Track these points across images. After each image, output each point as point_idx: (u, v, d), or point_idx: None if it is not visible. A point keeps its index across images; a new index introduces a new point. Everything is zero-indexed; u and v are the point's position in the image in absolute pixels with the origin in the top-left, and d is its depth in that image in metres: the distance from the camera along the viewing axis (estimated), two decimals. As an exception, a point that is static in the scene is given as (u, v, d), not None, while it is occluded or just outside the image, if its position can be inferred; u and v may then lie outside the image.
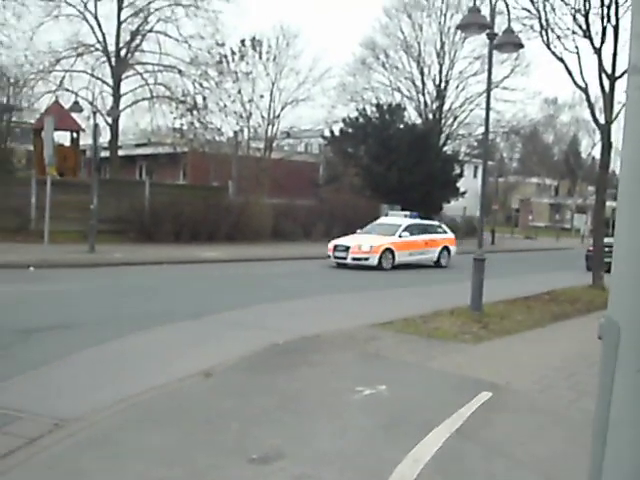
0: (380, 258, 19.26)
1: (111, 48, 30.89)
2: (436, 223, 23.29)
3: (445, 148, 38.66)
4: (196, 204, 24.15)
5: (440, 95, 38.46)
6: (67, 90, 30.28)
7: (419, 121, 38.52)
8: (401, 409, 5.75)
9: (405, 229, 20.67)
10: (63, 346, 7.74)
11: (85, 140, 30.14)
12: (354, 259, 19.23)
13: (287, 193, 28.36)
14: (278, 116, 34.32)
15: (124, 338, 8.31)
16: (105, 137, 29.39)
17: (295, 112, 35.43)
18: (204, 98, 31.07)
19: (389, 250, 19.66)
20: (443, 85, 38.41)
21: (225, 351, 7.66)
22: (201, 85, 30.98)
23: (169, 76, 31.66)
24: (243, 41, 31.74)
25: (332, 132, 36.28)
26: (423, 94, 38.78)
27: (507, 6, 11.43)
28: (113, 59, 30.86)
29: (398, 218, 21.91)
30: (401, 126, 35.27)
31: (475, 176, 49.81)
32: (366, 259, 19.20)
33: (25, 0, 30.09)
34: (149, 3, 30.91)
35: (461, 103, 38.74)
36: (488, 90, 11.61)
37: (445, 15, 37.16)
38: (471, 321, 10.05)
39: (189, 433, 4.96)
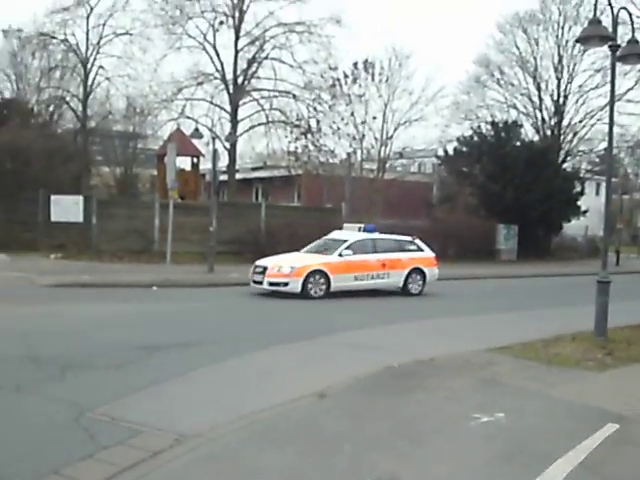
0: (304, 283, 15.21)
1: (229, 76, 32.14)
2: (406, 239, 17.80)
3: (564, 165, 37.21)
4: (310, 225, 24.46)
5: (559, 110, 37.14)
6: (188, 117, 31.73)
7: (536, 138, 37.34)
8: (520, 438, 5.52)
9: (349, 246, 16.23)
10: (183, 363, 8.02)
11: (204, 165, 31.49)
12: (271, 284, 15.41)
13: (400, 213, 28.23)
14: (391, 137, 34.32)
15: (241, 357, 8.50)
16: (223, 161, 30.50)
17: (408, 132, 35.23)
18: (318, 121, 31.63)
19: (320, 273, 15.49)
20: (562, 100, 37.08)
21: (339, 372, 7.66)
22: (315, 109, 31.58)
23: (284, 101, 32.52)
24: (356, 64, 32.08)
25: (446, 151, 35.87)
26: (540, 110, 37.60)
27: (630, 15, 10.90)
28: (231, 87, 32.07)
29: (349, 232, 17.47)
30: (517, 144, 34.34)
31: (597, 193, 47.62)
32: (285, 284, 15.26)
33: (150, 34, 32.04)
34: (264, 32, 31.97)
35: (581, 118, 37.21)
36: (611, 103, 11.10)
37: (562, 28, 35.95)
38: (595, 347, 9.52)
39: (305, 454, 4.98)
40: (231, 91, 32.02)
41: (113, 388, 6.76)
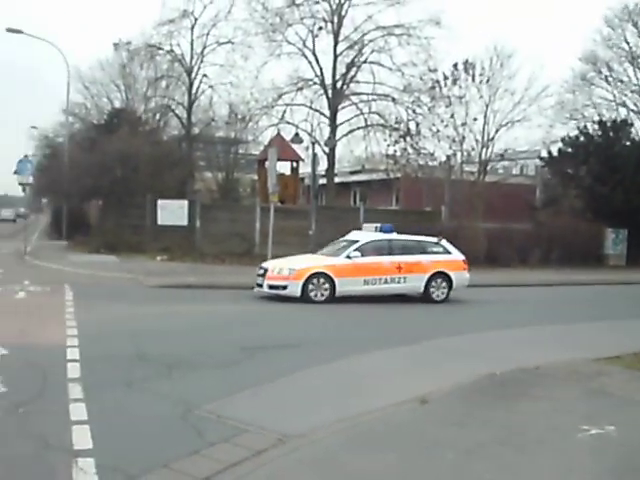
0: (305, 287, 14.38)
1: (328, 81, 32.39)
2: (431, 240, 16.42)
3: (680, 166, 35.12)
4: (409, 229, 24.27)
5: (673, 108, 35.14)
6: (288, 123, 32.22)
7: (648, 137, 35.45)
8: (632, 453, 5.25)
9: (359, 248, 15.19)
10: (286, 364, 8.15)
11: (304, 169, 31.88)
12: (270, 287, 14.73)
13: (502, 217, 27.50)
14: (492, 138, 33.56)
15: (343, 360, 8.54)
16: (322, 165, 30.77)
17: (510, 134, 34.23)
18: (417, 124, 31.35)
19: (323, 276, 14.56)
20: (677, 97, 35.06)
21: (441, 378, 7.57)
22: (414, 111, 31.33)
23: (383, 104, 32.43)
24: (455, 65, 31.57)
25: (550, 153, 34.62)
26: (654, 107, 35.69)
27: None
28: (330, 91, 32.31)
29: (364, 233, 16.38)
30: (627, 143, 32.73)
31: None
32: (284, 287, 14.52)
33: (251, 42, 32.81)
34: (363, 35, 32.02)
35: (698, 115, 35.03)
36: None
37: (677, 20, 33.99)
38: None
39: (406, 460, 4.95)
40: (330, 96, 32.26)
41: (218, 387, 6.97)
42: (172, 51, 35.16)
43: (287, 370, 7.79)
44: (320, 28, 31.92)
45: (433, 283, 15.55)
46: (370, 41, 32.00)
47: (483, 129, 33.18)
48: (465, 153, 33.18)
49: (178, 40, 35.00)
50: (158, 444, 5.23)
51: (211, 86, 35.79)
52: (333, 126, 32.21)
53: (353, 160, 40.30)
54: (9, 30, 31.87)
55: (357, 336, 10.72)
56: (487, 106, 32.87)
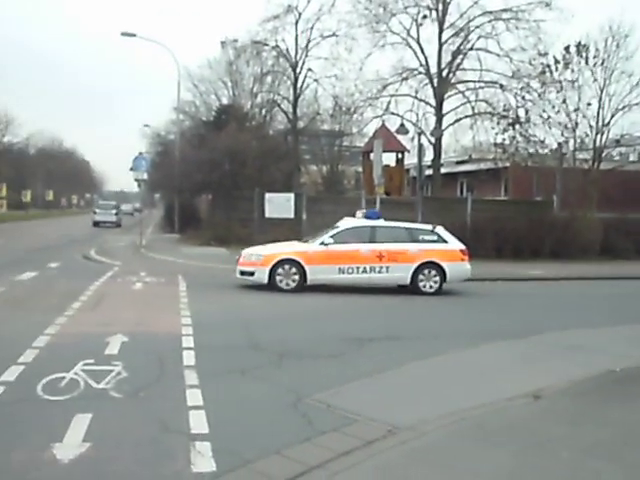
0: (271, 273, 13.97)
1: (433, 70, 31.91)
2: (424, 227, 15.46)
3: None
4: (518, 220, 23.61)
5: None
6: (393, 114, 32.02)
7: None
8: None
9: (337, 234, 14.50)
10: (393, 356, 8.13)
11: (409, 160, 31.62)
12: (241, 272, 14.49)
13: (619, 206, 26.17)
14: (608, 124, 31.90)
15: (450, 353, 8.42)
16: (428, 156, 30.39)
17: (627, 118, 32.41)
18: (526, 111, 30.32)
19: (291, 263, 14.06)
20: None
21: (555, 374, 7.31)
22: (523, 98, 30.31)
23: (490, 92, 31.60)
24: (567, 48, 30.23)
25: (672, 137, 32.65)
26: None
27: None
28: (435, 80, 31.82)
29: (353, 220, 15.48)
30: None
31: None
32: (251, 274, 14.23)
33: (355, 34, 32.82)
34: (469, 22, 31.29)
35: None
36: None
37: None
38: None
39: (519, 456, 4.82)
40: (435, 85, 31.77)
41: (328, 376, 7.04)
42: (277, 46, 35.75)
43: (395, 362, 7.76)
44: (424, 16, 31.48)
45: (422, 274, 14.48)
46: (476, 27, 31.25)
47: (598, 114, 31.57)
48: (578, 140, 31.73)
49: (283, 35, 35.56)
50: (270, 431, 5.36)
51: (316, 80, 36.16)
52: (439, 115, 31.71)
53: (459, 150, 39.57)
54: (124, 34, 33.45)
55: (462, 329, 10.54)
56: (602, 90, 31.24)
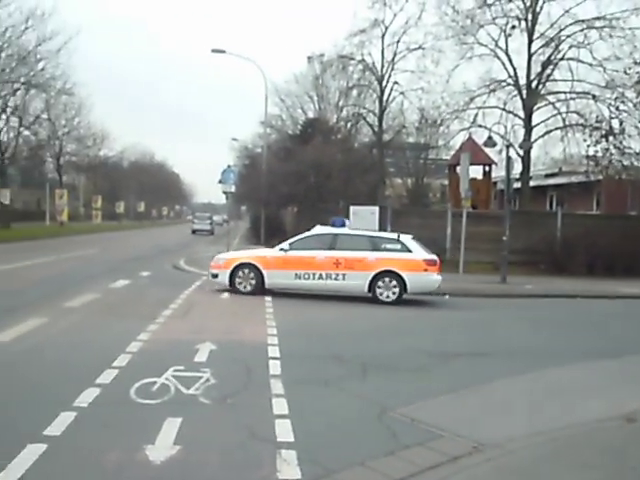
0: (231, 276, 14.76)
1: (522, 81, 31.26)
2: (389, 236, 15.42)
3: None
4: (611, 235, 22.71)
5: None
6: (480, 126, 31.55)
7: None
8: None
9: (297, 240, 15.09)
10: (478, 373, 8.00)
11: (496, 173, 31.02)
12: (211, 275, 15.56)
13: None
14: None
15: (536, 371, 8.18)
16: (516, 169, 29.72)
17: None
18: (621, 122, 29.12)
19: (249, 267, 14.74)
20: None
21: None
22: (617, 108, 29.15)
23: (582, 102, 30.68)
24: (666, 55, 28.98)
25: None
26: None
27: None
28: (524, 92, 31.16)
29: (322, 227, 15.69)
30: None
31: None
32: (215, 276, 15.28)
33: (442, 47, 32.63)
34: (560, 31, 30.50)
35: None
36: None
37: None
38: None
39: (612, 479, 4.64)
40: (525, 96, 31.11)
41: (412, 390, 7.00)
42: (363, 60, 36.00)
43: (480, 378, 7.63)
44: (513, 27, 30.95)
45: (380, 282, 14.35)
46: (568, 36, 30.42)
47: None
48: (677, 152, 30.31)
49: (369, 49, 35.80)
50: (354, 442, 5.37)
51: (402, 92, 36.15)
52: (528, 128, 31.01)
53: (549, 162, 38.48)
54: (214, 51, 34.45)
55: (551, 346, 10.24)
56: None
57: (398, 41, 35.29)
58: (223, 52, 34.68)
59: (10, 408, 5.89)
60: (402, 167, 41.45)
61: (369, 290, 14.47)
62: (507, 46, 31.26)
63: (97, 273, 18.98)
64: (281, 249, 14.97)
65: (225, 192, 25.75)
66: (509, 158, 21.50)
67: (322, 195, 26.45)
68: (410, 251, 14.72)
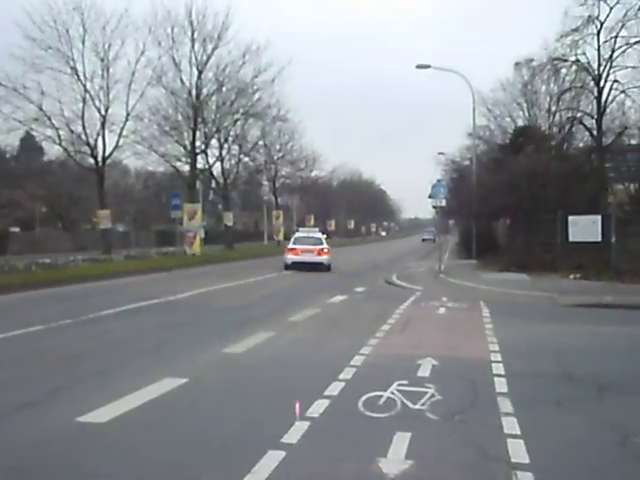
0: None
1: None
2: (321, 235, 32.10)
3: None
4: None
5: None
6: None
7: None
8: None
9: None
10: None
11: None
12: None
13: None
14: None
15: None
16: None
17: None
18: None
19: None
20: None
21: None
22: None
23: None
24: None
25: None
26: None
27: None
28: None
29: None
30: None
31: None
32: None
33: None
34: None
35: None
36: None
37: None
38: None
39: None
40: None
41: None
42: (577, 61, 33.93)
43: None
44: None
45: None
46: None
47: None
48: None
49: (583, 48, 33.61)
50: (594, 468, 5.00)
51: (623, 91, 33.48)
52: None
53: None
54: (418, 66, 34.70)
55: None
56: None
57: (616, 36, 32.76)
58: (428, 67, 34.80)
59: (249, 415, 6.29)
60: (623, 172, 38.39)
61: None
62: None
63: (315, 288, 19.84)
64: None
65: (435, 206, 25.69)
66: None
67: (537, 206, 25.24)
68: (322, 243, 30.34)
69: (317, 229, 36.19)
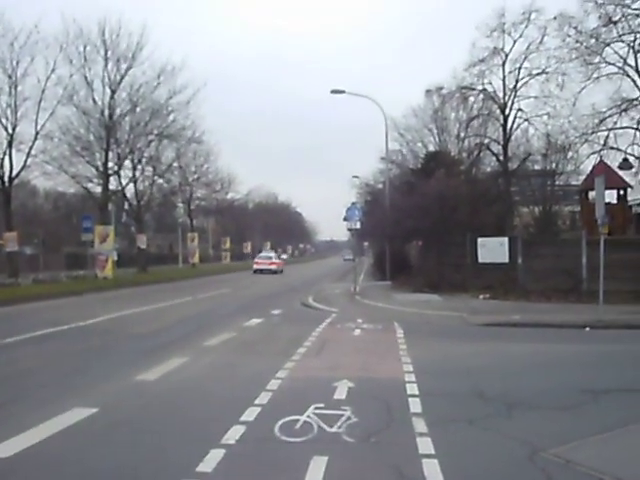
0: None
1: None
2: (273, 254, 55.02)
3: None
4: None
5: None
6: (612, 148, 30.08)
7: None
8: None
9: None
10: (633, 411, 7.46)
11: (632, 196, 29.35)
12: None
13: None
14: None
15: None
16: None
17: None
18: None
19: None
20: None
21: None
22: None
23: None
24: None
25: None
26: None
27: None
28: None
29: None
30: None
31: None
32: None
33: (566, 69, 31.58)
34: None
35: None
36: None
37: None
38: None
39: None
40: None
41: (562, 430, 6.63)
42: (484, 90, 35.49)
43: (634, 417, 7.11)
44: (642, 43, 29.42)
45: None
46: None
47: None
48: None
49: (490, 78, 35.25)
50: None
51: (526, 119, 35.21)
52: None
53: None
54: (333, 92, 35.33)
55: None
56: None
57: (520, 67, 34.54)
58: (343, 92, 35.42)
59: (162, 444, 6.13)
60: (528, 195, 40.18)
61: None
62: (637, 63, 29.74)
63: (231, 312, 19.63)
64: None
65: (350, 229, 26.03)
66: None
67: (448, 228, 26.00)
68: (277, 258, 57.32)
69: (273, 251, 66.78)
